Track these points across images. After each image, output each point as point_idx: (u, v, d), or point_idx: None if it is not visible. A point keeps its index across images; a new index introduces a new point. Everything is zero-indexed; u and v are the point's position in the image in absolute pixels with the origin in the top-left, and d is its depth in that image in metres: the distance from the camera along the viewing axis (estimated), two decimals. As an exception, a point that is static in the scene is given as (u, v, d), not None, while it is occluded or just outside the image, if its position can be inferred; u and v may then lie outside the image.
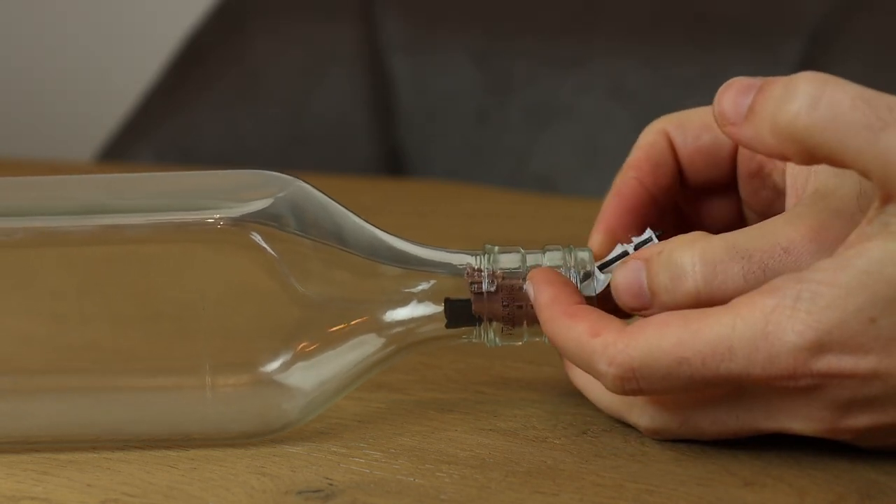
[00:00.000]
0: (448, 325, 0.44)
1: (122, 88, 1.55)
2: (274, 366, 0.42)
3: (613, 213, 0.47)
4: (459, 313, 0.44)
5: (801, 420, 0.40)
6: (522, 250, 0.45)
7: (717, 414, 0.41)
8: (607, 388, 0.41)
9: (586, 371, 0.42)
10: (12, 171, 0.62)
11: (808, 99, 0.38)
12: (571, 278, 0.44)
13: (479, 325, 0.44)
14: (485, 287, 0.44)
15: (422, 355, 0.50)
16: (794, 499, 0.39)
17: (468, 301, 0.44)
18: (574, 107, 1.21)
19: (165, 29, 1.53)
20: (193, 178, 0.45)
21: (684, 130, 0.47)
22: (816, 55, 1.13)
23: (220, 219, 0.42)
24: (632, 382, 0.40)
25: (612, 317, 0.41)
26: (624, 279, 0.42)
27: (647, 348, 0.39)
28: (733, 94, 0.41)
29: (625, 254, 0.44)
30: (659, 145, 0.48)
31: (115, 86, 1.62)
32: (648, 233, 0.44)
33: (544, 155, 1.22)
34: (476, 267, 0.44)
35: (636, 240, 0.44)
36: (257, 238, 0.42)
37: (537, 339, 0.44)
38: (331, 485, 0.40)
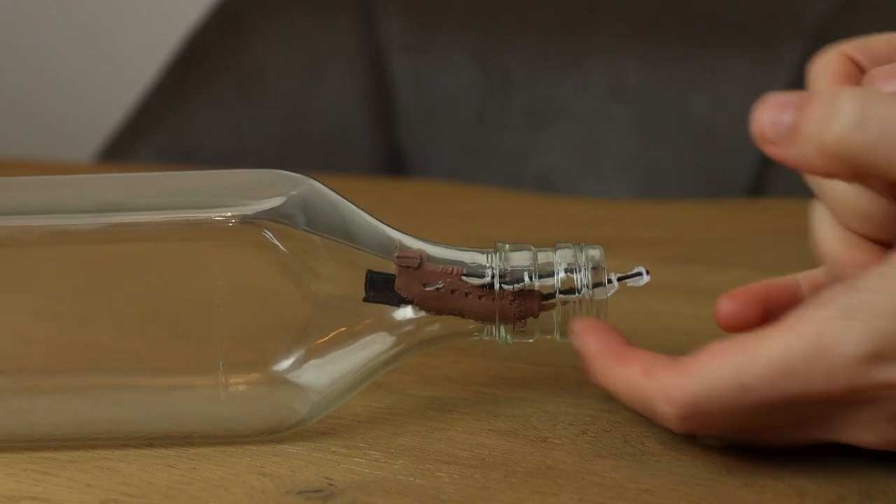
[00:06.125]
0: (366, 299, 0.43)
1: (122, 88, 1.55)
2: (286, 364, 0.42)
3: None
4: (380, 287, 0.43)
5: (863, 432, 0.39)
6: (533, 248, 0.45)
7: (779, 428, 0.40)
8: (669, 427, 0.40)
9: (644, 413, 0.41)
10: (13, 171, 0.62)
11: (853, 118, 0.37)
12: (583, 275, 0.44)
13: (399, 304, 0.44)
14: (502, 285, 0.44)
15: (422, 355, 0.50)
16: (794, 499, 0.39)
17: (390, 276, 0.43)
18: (574, 106, 1.21)
19: (165, 29, 1.54)
20: (205, 177, 0.45)
21: (872, 55, 0.43)
22: (816, 55, 1.13)
23: (233, 217, 0.42)
24: (694, 419, 0.39)
25: (661, 355, 0.41)
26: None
27: (706, 381, 0.38)
28: (771, 112, 0.39)
29: (609, 281, 0.44)
30: (844, 68, 0.43)
31: (115, 86, 1.62)
32: (638, 269, 0.44)
33: (543, 155, 1.22)
34: (406, 244, 0.44)
35: (625, 274, 0.44)
36: (269, 236, 0.42)
37: (548, 337, 0.44)
38: (331, 485, 0.40)
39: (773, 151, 0.39)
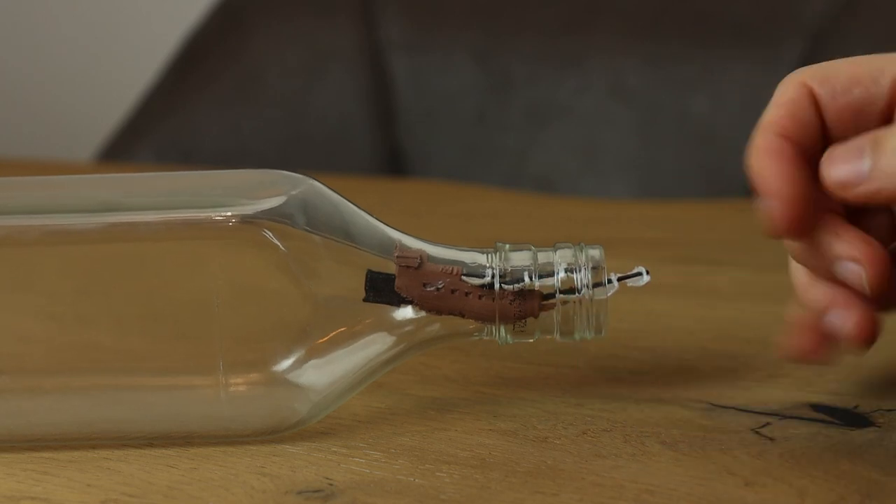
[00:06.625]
0: (366, 299, 0.43)
1: (122, 88, 1.55)
2: (286, 364, 0.42)
3: (777, 176, 0.42)
4: (380, 287, 0.43)
5: None
6: (533, 248, 0.45)
7: None
8: None
9: None
10: (12, 171, 0.62)
11: None
12: (583, 275, 0.44)
13: (399, 304, 0.43)
14: (502, 285, 0.44)
15: (422, 355, 0.50)
16: (794, 499, 0.39)
17: (390, 276, 0.43)
18: (574, 106, 1.21)
19: (165, 29, 1.53)
20: (205, 176, 0.45)
21: (831, 85, 0.43)
22: (816, 55, 1.13)
23: (233, 216, 0.42)
24: None
25: None
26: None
27: None
28: (847, 164, 0.41)
29: (609, 281, 0.44)
30: (801, 102, 0.43)
31: (115, 86, 1.62)
32: (638, 269, 0.44)
33: (543, 155, 1.22)
34: (406, 244, 0.44)
35: (625, 274, 0.44)
36: (269, 236, 0.42)
37: (548, 337, 0.44)
38: (331, 485, 0.40)
39: (855, 193, 0.40)
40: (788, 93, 0.43)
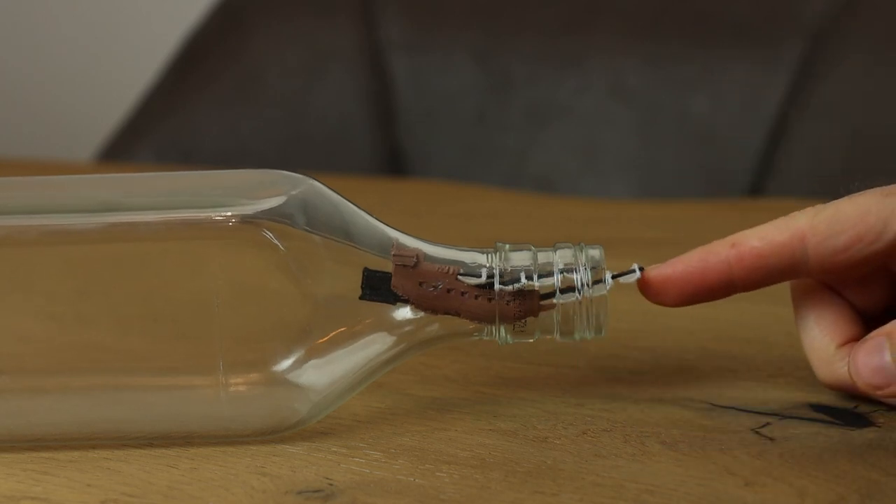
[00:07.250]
0: (362, 297, 0.43)
1: (122, 88, 1.55)
2: (286, 364, 0.42)
3: (684, 276, 0.45)
4: (376, 285, 0.43)
5: None
6: (533, 248, 0.45)
7: None
8: None
9: None
10: (13, 171, 0.62)
11: None
12: (582, 276, 0.44)
13: (395, 302, 0.43)
14: (500, 285, 0.44)
15: (422, 355, 0.50)
16: (794, 499, 0.39)
17: (386, 274, 0.43)
18: (574, 106, 1.21)
19: (165, 29, 1.53)
20: (205, 176, 0.45)
21: (833, 244, 0.43)
22: (816, 55, 1.13)
23: (233, 216, 0.42)
24: None
25: None
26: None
27: None
28: (868, 359, 0.42)
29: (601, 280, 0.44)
30: (784, 252, 0.44)
31: (115, 86, 1.62)
32: (634, 266, 0.44)
33: (543, 155, 1.22)
34: (403, 243, 0.44)
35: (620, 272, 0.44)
36: (269, 236, 0.42)
37: (548, 337, 0.44)
38: (331, 485, 0.40)
39: (887, 393, 0.42)
40: (780, 236, 0.44)
